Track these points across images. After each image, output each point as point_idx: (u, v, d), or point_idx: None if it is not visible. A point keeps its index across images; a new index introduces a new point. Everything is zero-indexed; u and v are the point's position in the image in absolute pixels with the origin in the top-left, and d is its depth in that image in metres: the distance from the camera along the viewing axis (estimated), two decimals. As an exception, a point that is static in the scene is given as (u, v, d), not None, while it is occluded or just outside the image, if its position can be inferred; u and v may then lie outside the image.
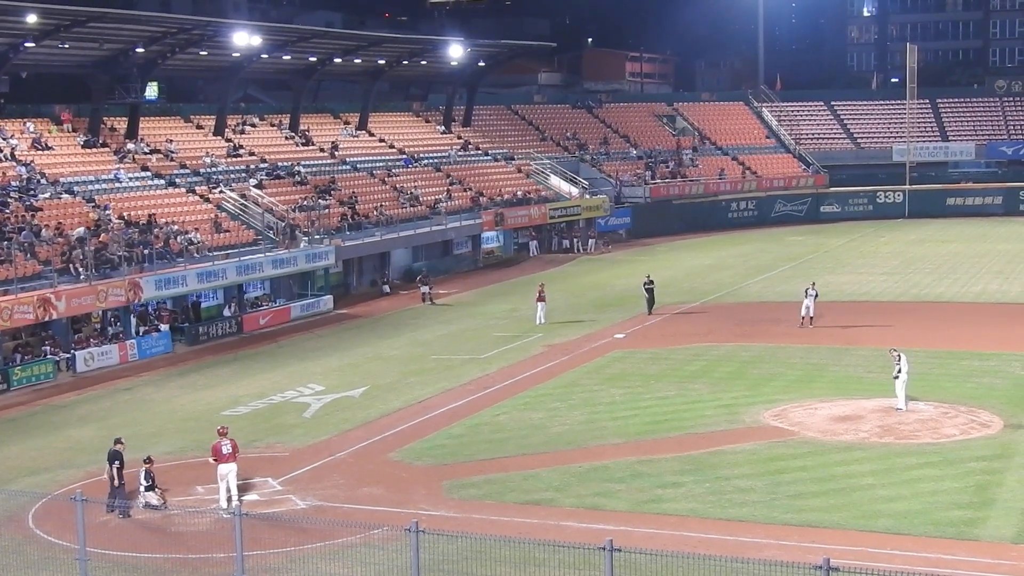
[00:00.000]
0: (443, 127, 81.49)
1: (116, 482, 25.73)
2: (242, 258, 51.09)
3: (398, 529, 19.41)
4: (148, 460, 26.42)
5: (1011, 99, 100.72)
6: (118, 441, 26.45)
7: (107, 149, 58.14)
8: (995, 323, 46.00)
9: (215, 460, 25.94)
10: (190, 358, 44.78)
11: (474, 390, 37.00)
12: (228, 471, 25.84)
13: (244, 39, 59.49)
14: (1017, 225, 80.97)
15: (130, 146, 58.86)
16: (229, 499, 25.61)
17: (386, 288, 59.69)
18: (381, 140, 75.45)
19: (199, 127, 66.17)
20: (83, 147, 57.46)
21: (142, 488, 25.89)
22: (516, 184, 76.57)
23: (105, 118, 59.88)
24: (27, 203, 48.94)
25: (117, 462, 25.82)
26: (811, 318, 45.72)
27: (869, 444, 29.28)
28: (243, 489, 26.14)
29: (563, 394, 35.79)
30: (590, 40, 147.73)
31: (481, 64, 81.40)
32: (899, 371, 32.02)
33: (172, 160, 59.83)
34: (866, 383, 35.16)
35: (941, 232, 78.77)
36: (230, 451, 25.95)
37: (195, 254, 49.59)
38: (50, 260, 44.60)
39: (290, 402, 36.30)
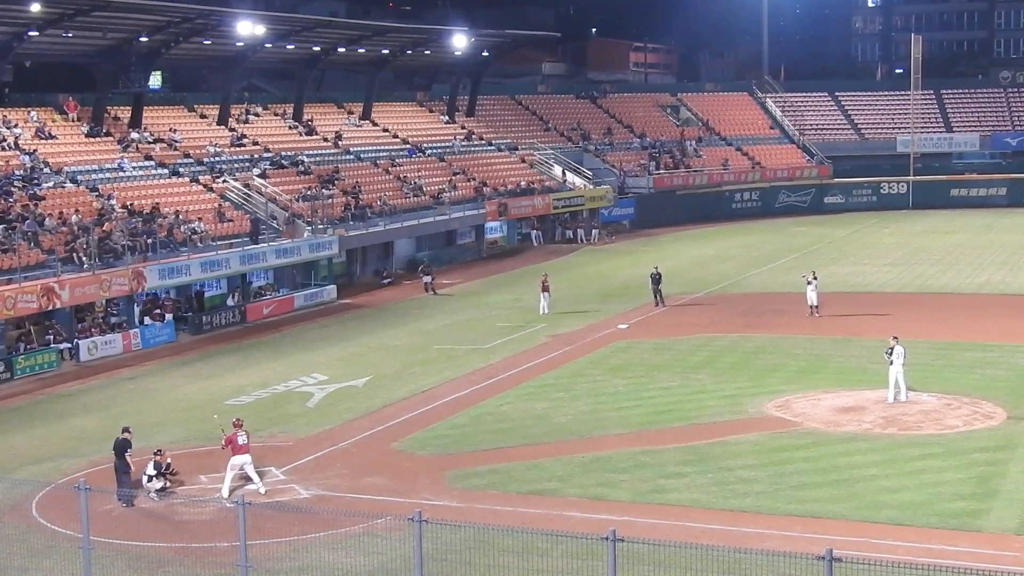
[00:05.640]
0: (447, 117, 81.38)
1: (130, 470, 25.87)
2: (245, 248, 51.11)
3: (401, 519, 19.41)
4: (159, 452, 26.50)
5: (1015, 90, 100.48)
6: (126, 430, 26.53)
7: (111, 138, 58.12)
8: (998, 314, 45.97)
9: (231, 450, 25.90)
10: (194, 347, 44.81)
11: (477, 380, 37.02)
12: (243, 461, 25.92)
13: (248, 28, 59.43)
14: (1021, 216, 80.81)
15: (134, 135, 58.85)
16: (232, 490, 25.63)
17: (386, 281, 59.55)
18: (385, 130, 75.38)
19: (203, 116, 66.15)
20: (87, 136, 57.44)
21: (145, 479, 25.92)
22: (520, 174, 76.51)
23: (109, 107, 59.83)
24: (31, 192, 48.92)
25: (128, 451, 25.93)
26: (816, 307, 45.73)
27: (872, 435, 29.29)
28: (245, 479, 26.17)
29: (566, 384, 35.80)
30: (594, 30, 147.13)
31: (485, 54, 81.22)
32: (890, 350, 31.97)
33: (176, 149, 59.82)
34: (869, 374, 35.06)
35: (945, 223, 78.67)
36: (246, 441, 26.02)
37: (198, 243, 49.56)
38: (54, 249, 44.59)
39: (293, 391, 36.34)
